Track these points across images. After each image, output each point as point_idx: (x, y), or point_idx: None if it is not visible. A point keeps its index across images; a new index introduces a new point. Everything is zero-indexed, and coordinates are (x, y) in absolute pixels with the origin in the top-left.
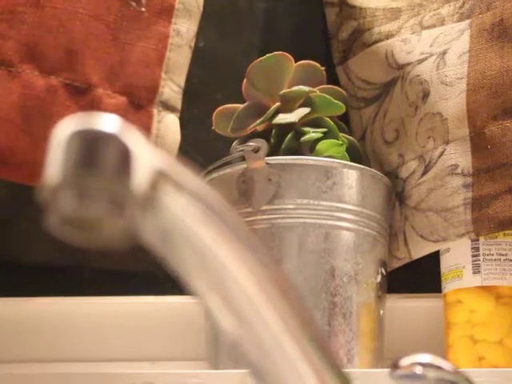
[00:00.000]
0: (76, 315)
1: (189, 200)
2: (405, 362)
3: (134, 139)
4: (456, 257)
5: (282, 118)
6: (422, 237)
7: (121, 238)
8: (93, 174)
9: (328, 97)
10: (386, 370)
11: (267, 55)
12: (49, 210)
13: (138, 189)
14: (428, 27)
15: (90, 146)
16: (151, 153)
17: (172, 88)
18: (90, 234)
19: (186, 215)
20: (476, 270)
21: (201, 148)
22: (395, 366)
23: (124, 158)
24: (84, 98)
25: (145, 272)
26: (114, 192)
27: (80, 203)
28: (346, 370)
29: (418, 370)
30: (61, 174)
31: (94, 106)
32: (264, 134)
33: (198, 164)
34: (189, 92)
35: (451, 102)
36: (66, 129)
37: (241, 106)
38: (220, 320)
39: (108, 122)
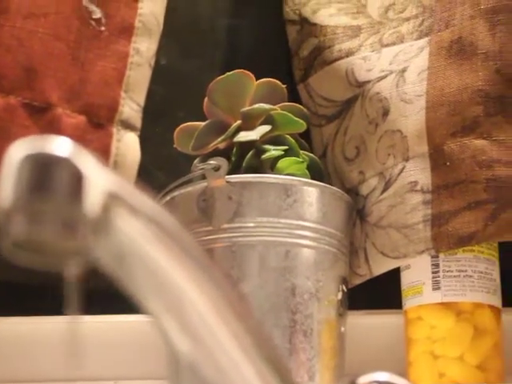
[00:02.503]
0: (37, 334)
1: (142, 222)
2: (362, 380)
3: (86, 162)
4: (416, 273)
5: (243, 136)
6: (382, 253)
7: (74, 260)
8: (45, 198)
9: (289, 114)
10: None
11: (228, 73)
12: (1, 233)
13: (90, 212)
14: (388, 45)
15: (42, 169)
16: (104, 176)
17: (132, 107)
18: (43, 257)
19: (139, 237)
20: (436, 286)
21: (162, 166)
22: None
23: (76, 181)
24: (43, 117)
25: (106, 291)
26: (66, 215)
27: (32, 227)
28: None
29: None
30: (13, 197)
31: (54, 125)
32: (225, 152)
33: (159, 182)
34: (150, 110)
35: (411, 119)
36: (17, 152)
37: (202, 123)
38: (175, 341)
39: (60, 146)
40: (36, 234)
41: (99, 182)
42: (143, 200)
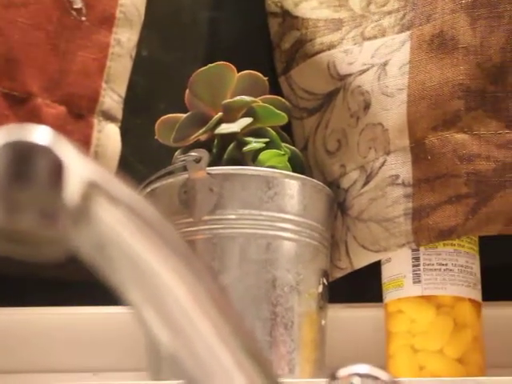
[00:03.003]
0: (16, 325)
1: (122, 212)
2: (342, 372)
3: (66, 151)
4: (397, 266)
5: (225, 128)
6: (363, 247)
7: (54, 250)
8: (24, 187)
9: (270, 107)
10: (324, 381)
11: (210, 65)
12: None
13: (69, 201)
14: (369, 38)
15: (21, 157)
16: (84, 165)
17: (112, 98)
18: (22, 246)
19: (119, 227)
20: (416, 279)
21: (143, 158)
22: (333, 376)
23: (56, 169)
24: (23, 107)
25: (86, 282)
26: (46, 204)
27: (11, 216)
28: (284, 381)
29: (356, 380)
30: None
31: (34, 115)
32: (207, 144)
33: (140, 174)
34: (132, 101)
35: (392, 112)
36: None
37: (183, 115)
38: (155, 332)
39: (40, 134)
40: (15, 222)
41: (79, 170)
42: (123, 189)
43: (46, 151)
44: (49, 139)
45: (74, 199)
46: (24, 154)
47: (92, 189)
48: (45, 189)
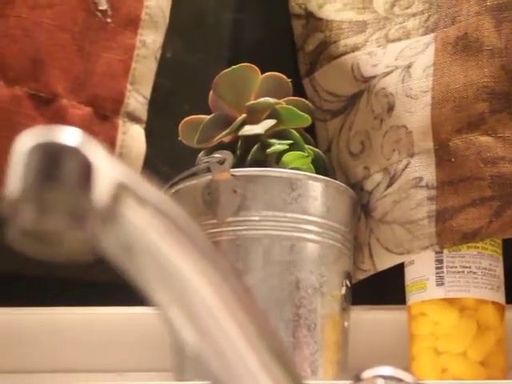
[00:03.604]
0: (42, 325)
1: (150, 213)
2: (367, 374)
3: (95, 152)
4: (420, 269)
5: (248, 130)
6: (386, 249)
7: (82, 251)
8: (53, 188)
9: (294, 109)
10: (349, 383)
11: (234, 67)
12: (9, 223)
13: (98, 202)
14: (393, 40)
15: (51, 159)
16: (113, 166)
17: (137, 99)
18: (50, 247)
19: (147, 228)
20: (440, 282)
21: (167, 159)
22: (357, 378)
23: (85, 171)
24: (49, 108)
25: (113, 282)
26: (75, 205)
27: (40, 217)
28: (309, 383)
29: (380, 382)
30: (21, 187)
31: (59, 116)
32: (230, 146)
33: (164, 175)
34: (156, 103)
35: (416, 115)
36: (26, 142)
37: (207, 117)
38: (181, 333)
39: (69, 135)
40: (44, 223)
41: (108, 171)
42: (152, 191)
43: (75, 152)
44: (78, 140)
45: (103, 200)
46: (53, 156)
47: (121, 190)
48: (74, 190)
